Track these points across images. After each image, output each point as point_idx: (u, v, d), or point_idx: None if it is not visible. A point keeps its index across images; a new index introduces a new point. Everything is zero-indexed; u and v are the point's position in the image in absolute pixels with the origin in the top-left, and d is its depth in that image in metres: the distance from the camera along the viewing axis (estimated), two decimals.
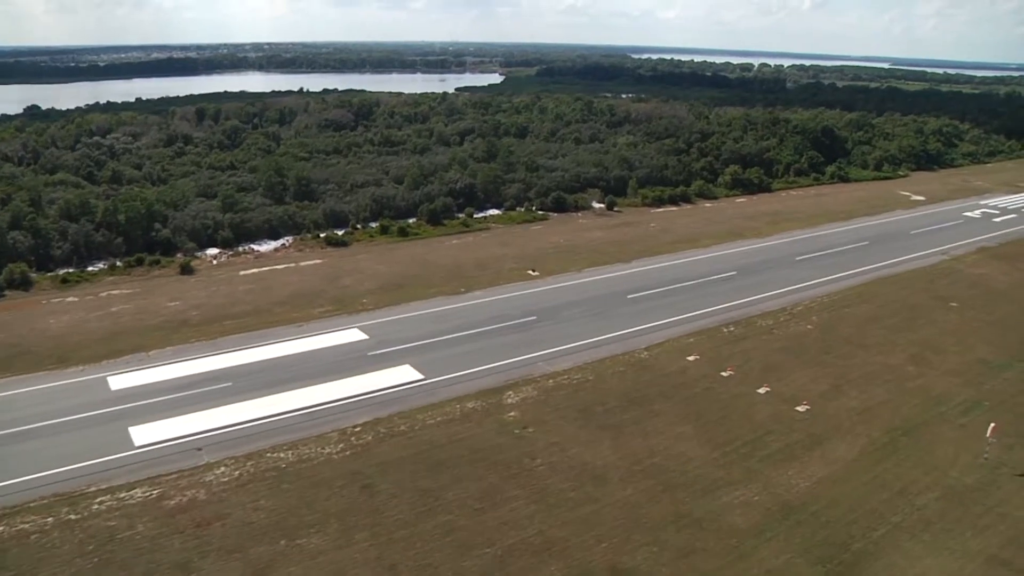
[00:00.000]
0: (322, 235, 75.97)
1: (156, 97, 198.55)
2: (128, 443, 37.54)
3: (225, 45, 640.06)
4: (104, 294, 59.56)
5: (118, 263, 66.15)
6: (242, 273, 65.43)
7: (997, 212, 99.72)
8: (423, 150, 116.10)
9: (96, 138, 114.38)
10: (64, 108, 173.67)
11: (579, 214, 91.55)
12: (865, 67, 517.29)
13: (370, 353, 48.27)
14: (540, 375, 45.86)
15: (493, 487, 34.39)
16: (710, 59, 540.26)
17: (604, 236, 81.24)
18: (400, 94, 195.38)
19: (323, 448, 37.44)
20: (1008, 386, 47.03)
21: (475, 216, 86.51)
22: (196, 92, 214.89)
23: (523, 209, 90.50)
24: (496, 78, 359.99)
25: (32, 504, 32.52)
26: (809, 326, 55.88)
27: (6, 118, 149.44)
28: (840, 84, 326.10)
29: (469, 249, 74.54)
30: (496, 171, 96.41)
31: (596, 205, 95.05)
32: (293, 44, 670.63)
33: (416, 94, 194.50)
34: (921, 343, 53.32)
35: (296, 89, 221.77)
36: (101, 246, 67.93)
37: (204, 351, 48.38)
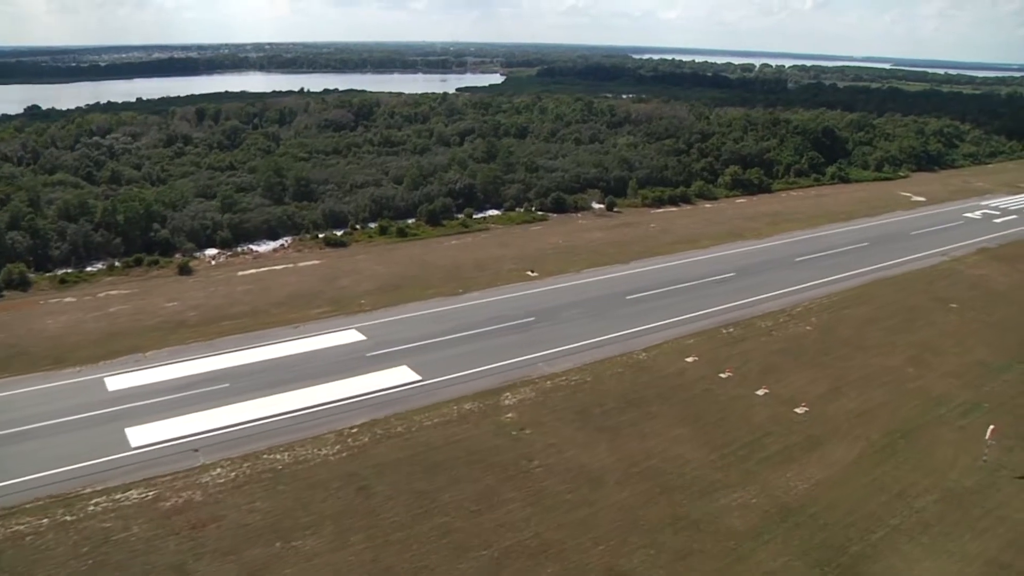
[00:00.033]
0: (321, 236, 75.89)
1: (157, 97, 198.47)
2: (124, 444, 37.45)
3: (226, 45, 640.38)
4: (102, 294, 59.49)
5: (116, 263, 66.09)
6: (240, 274, 65.36)
7: (998, 213, 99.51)
8: (423, 150, 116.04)
9: (96, 138, 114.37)
10: (65, 108, 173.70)
11: (579, 215, 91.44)
12: (866, 67, 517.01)
13: (368, 354, 48.16)
14: (538, 376, 45.73)
15: (490, 489, 34.27)
16: (711, 59, 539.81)
17: (603, 237, 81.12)
18: (400, 94, 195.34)
19: (319, 449, 37.34)
20: (1008, 388, 46.86)
21: (474, 217, 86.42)
22: (197, 92, 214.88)
23: (522, 210, 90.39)
24: (497, 78, 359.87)
25: (27, 505, 32.42)
26: (808, 327, 55.74)
27: (6, 118, 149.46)
28: (841, 84, 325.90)
29: (468, 250, 74.43)
30: (496, 171, 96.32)
31: (596, 206, 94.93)
32: (294, 44, 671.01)
33: (416, 94, 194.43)
34: (920, 345, 53.16)
35: (297, 89, 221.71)
36: (100, 246, 67.87)
37: (201, 352, 48.28)
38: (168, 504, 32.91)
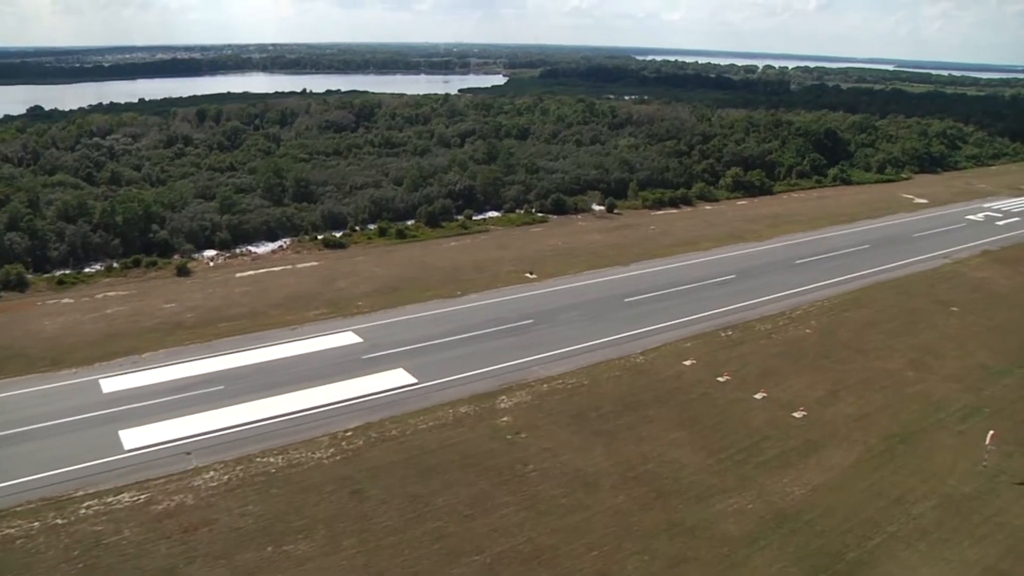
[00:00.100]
0: (320, 237, 75.76)
1: (159, 98, 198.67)
2: (118, 447, 37.28)
3: (229, 46, 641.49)
4: (100, 296, 59.39)
5: (115, 265, 66.00)
6: (238, 275, 65.23)
7: (1000, 215, 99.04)
8: (423, 152, 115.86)
9: (96, 139, 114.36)
10: (67, 109, 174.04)
11: (579, 216, 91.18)
12: (869, 69, 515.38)
13: (364, 357, 47.96)
14: (534, 379, 45.48)
15: (484, 493, 34.04)
16: (714, 61, 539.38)
17: (603, 239, 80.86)
18: (402, 95, 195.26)
19: (313, 453, 37.13)
20: (1008, 392, 46.51)
21: (474, 218, 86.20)
22: (199, 93, 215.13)
23: (522, 211, 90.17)
24: (500, 79, 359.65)
25: (19, 508, 32.27)
26: (808, 331, 55.41)
27: (9, 119, 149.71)
28: (844, 86, 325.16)
29: (467, 251, 74.22)
30: (496, 173, 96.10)
31: (596, 207, 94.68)
32: (297, 45, 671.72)
33: (418, 96, 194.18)
34: (921, 348, 52.81)
35: (299, 90, 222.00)
36: (98, 247, 67.79)
37: (198, 354, 48.12)
38: (160, 507, 32.74)
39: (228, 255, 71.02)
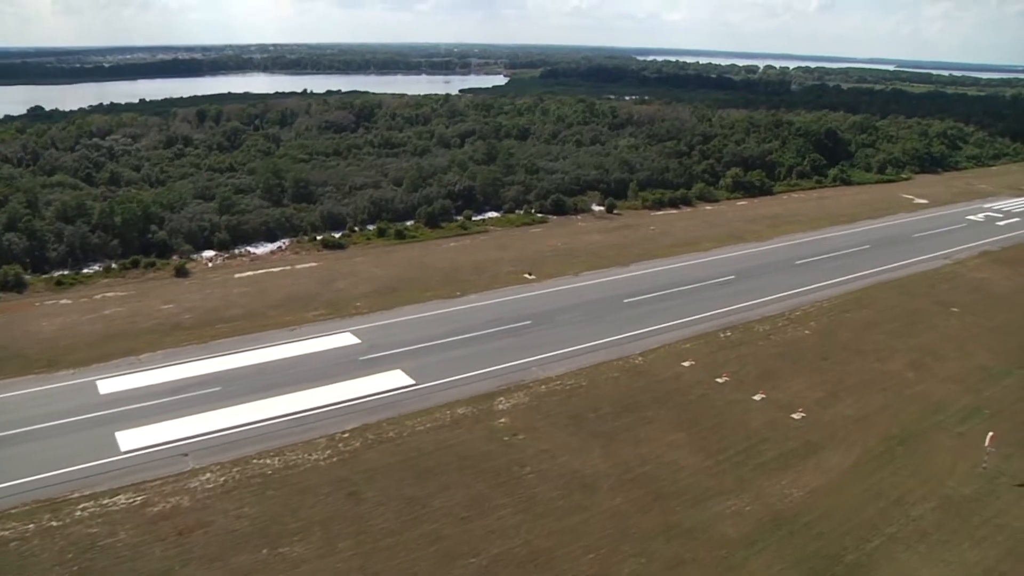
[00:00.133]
0: (319, 237, 75.64)
1: (159, 98, 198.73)
2: (114, 448, 37.17)
3: (230, 46, 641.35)
4: (98, 296, 59.29)
5: (113, 265, 65.89)
6: (237, 276, 65.11)
7: (1001, 216, 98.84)
8: (423, 152, 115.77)
9: (95, 140, 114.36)
10: (67, 109, 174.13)
11: (578, 217, 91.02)
12: (870, 69, 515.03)
13: (362, 358, 47.83)
14: (532, 381, 45.34)
15: (480, 495, 33.90)
16: (715, 61, 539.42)
17: (603, 239, 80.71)
18: (403, 96, 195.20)
19: (310, 454, 37.01)
20: (1008, 393, 46.34)
21: (473, 219, 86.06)
22: (200, 93, 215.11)
23: (522, 212, 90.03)
24: (500, 80, 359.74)
25: (13, 511, 32.14)
26: (807, 331, 55.24)
27: (9, 119, 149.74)
28: (845, 86, 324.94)
29: (466, 252, 74.08)
30: (496, 173, 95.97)
31: (596, 208, 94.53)
32: (298, 45, 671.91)
33: (419, 96, 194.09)
34: (921, 349, 52.65)
35: (299, 90, 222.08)
36: (97, 248, 67.68)
37: (195, 355, 48.00)
38: (156, 509, 32.61)
39: (227, 256, 70.90)
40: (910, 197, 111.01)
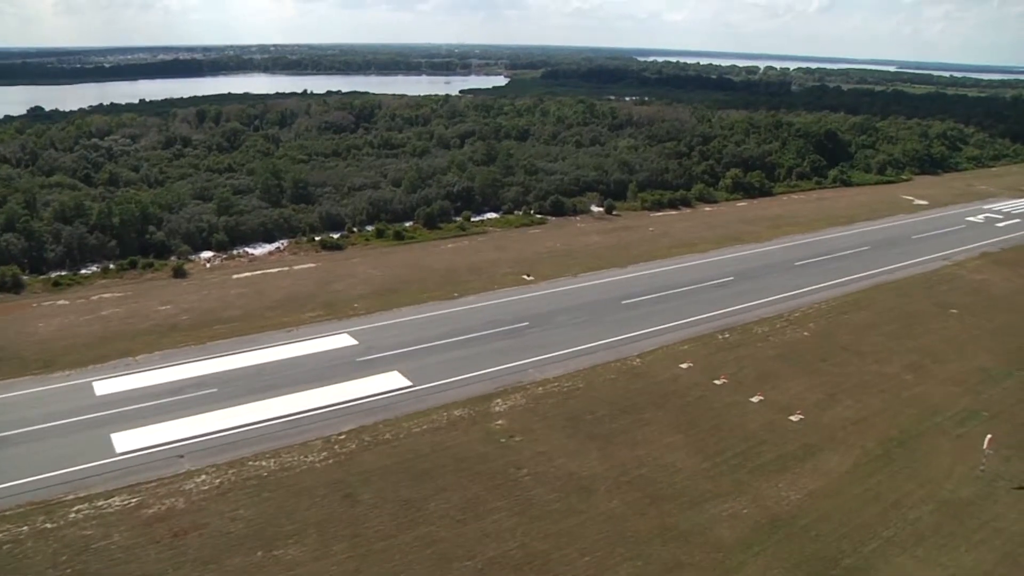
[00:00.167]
0: (317, 238, 75.52)
1: (160, 99, 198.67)
2: (110, 450, 37.06)
3: (231, 47, 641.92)
4: (95, 297, 59.20)
5: (111, 266, 65.81)
6: (235, 276, 65.01)
7: (1000, 217, 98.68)
8: (422, 153, 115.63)
9: (95, 140, 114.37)
10: (68, 110, 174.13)
11: (577, 218, 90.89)
12: (871, 70, 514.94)
13: (358, 359, 47.71)
14: (530, 382, 45.21)
15: (476, 498, 33.77)
16: (716, 62, 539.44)
17: (601, 240, 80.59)
18: (403, 96, 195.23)
19: (306, 456, 36.89)
20: (1007, 395, 46.19)
21: (472, 220, 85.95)
22: (200, 94, 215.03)
23: (521, 213, 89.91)
24: (501, 80, 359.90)
25: (8, 512, 32.04)
26: (806, 333, 55.10)
27: (9, 119, 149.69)
28: (845, 87, 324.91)
29: (464, 253, 73.96)
30: (495, 174, 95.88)
31: (595, 209, 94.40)
32: (299, 46, 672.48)
33: (419, 96, 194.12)
34: (919, 351, 52.50)
35: (300, 91, 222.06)
36: (94, 249, 67.56)
37: (192, 356, 47.90)
38: (150, 511, 32.50)
39: (225, 256, 70.80)
40: (910, 198, 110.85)
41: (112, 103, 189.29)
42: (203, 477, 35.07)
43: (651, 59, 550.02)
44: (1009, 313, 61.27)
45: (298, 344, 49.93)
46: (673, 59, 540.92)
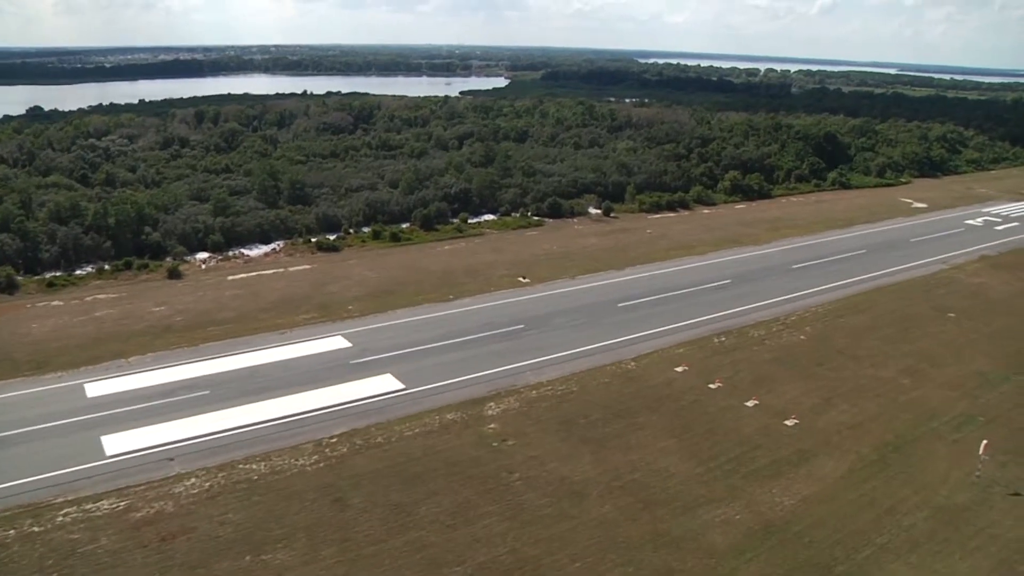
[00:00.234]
0: (313, 240, 75.26)
1: (159, 99, 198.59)
2: (99, 452, 36.80)
3: (232, 47, 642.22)
4: (89, 298, 58.96)
5: (106, 267, 65.57)
6: (230, 278, 64.79)
7: (999, 220, 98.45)
8: (420, 154, 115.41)
9: (92, 140, 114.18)
10: (67, 110, 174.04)
11: (575, 220, 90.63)
12: (872, 72, 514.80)
13: (352, 361, 47.46)
14: (523, 386, 44.94)
15: (467, 502, 33.52)
16: (716, 63, 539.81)
17: (599, 243, 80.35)
18: (402, 97, 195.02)
19: (297, 460, 36.65)
20: (1004, 400, 45.94)
21: (469, 221, 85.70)
22: (200, 94, 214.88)
23: (518, 214, 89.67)
24: (501, 82, 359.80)
25: None
26: (802, 337, 54.86)
27: (7, 119, 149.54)
28: (846, 89, 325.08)
29: (461, 255, 73.73)
30: (493, 176, 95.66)
31: (593, 211, 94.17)
32: (299, 46, 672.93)
33: (418, 98, 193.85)
34: (916, 355, 52.25)
35: (300, 91, 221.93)
36: (90, 249, 67.28)
37: (185, 358, 47.64)
38: (139, 515, 32.24)
39: (220, 258, 70.56)
40: (909, 201, 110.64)
41: (111, 103, 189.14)
42: (193, 480, 34.82)
43: (652, 61, 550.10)
44: (1007, 317, 61.03)
45: (291, 346, 49.67)
46: (674, 61, 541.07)
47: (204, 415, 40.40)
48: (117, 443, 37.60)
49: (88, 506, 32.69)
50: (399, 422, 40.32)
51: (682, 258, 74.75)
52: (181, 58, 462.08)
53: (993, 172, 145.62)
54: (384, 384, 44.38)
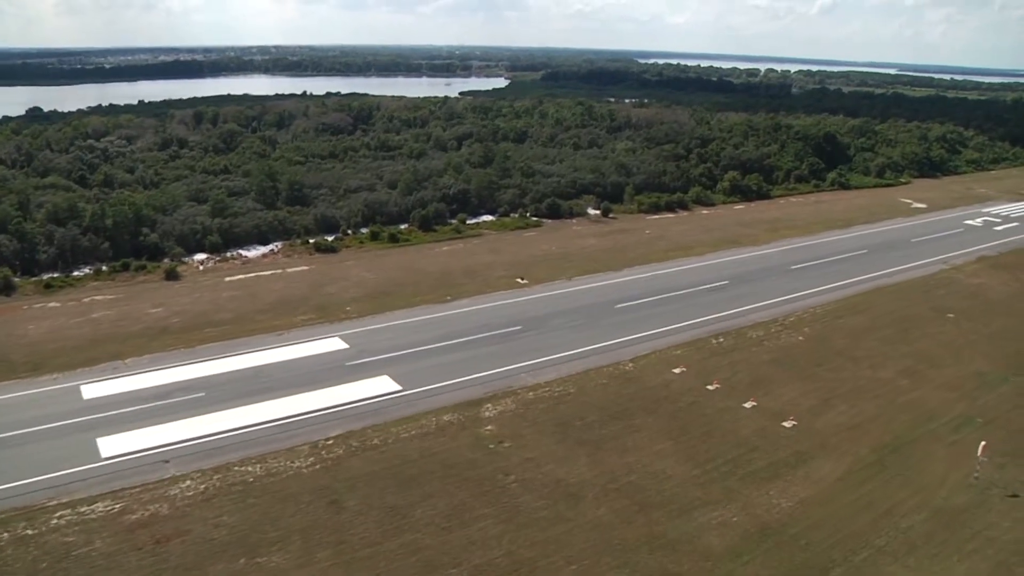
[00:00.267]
0: (311, 241, 75.18)
1: (159, 100, 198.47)
2: (95, 454, 36.68)
3: (232, 48, 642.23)
4: (87, 300, 58.87)
5: (103, 268, 65.48)
6: (228, 279, 64.70)
7: (999, 220, 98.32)
8: (419, 155, 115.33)
9: (90, 141, 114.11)
10: (67, 110, 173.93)
11: (574, 221, 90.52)
12: (872, 72, 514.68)
13: (348, 363, 47.34)
14: (520, 387, 44.82)
15: (463, 504, 33.40)
16: (717, 64, 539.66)
17: (597, 243, 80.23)
18: (402, 98, 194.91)
19: (292, 462, 36.53)
20: (1002, 401, 45.80)
21: (468, 222, 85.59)
22: (199, 95, 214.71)
23: (517, 215, 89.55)
24: (501, 82, 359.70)
25: None
26: (801, 338, 54.73)
27: (6, 120, 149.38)
28: (846, 90, 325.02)
29: (459, 256, 73.62)
30: (491, 176, 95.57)
31: (591, 212, 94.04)
32: (300, 47, 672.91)
33: (417, 98, 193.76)
34: (915, 356, 52.12)
35: (300, 92, 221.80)
36: (87, 251, 67.21)
37: (181, 359, 47.54)
38: (134, 517, 32.13)
39: (218, 259, 70.45)
40: (908, 201, 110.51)
41: (111, 104, 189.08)
42: (188, 483, 34.70)
43: (652, 61, 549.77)
44: (1006, 317, 60.90)
45: (288, 348, 49.57)
46: (674, 61, 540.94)
47: (200, 417, 40.30)
48: (113, 445, 37.50)
49: (83, 509, 32.57)
50: (395, 424, 40.21)
51: (680, 259, 74.63)
52: (181, 59, 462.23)
53: (993, 172, 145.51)
54: (381, 386, 44.28)
